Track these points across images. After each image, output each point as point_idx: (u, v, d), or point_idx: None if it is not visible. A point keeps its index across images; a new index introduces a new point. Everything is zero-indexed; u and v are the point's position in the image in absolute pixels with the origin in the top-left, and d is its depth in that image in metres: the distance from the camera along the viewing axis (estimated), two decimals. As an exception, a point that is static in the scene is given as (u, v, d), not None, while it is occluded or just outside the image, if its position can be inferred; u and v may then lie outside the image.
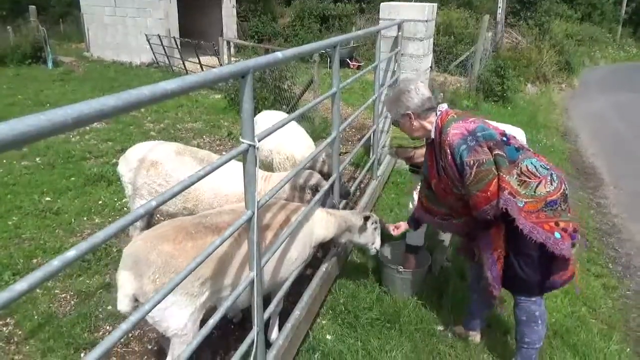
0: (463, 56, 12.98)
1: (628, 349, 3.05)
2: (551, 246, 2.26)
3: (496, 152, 2.28)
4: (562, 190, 2.33)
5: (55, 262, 1.04)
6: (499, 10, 15.33)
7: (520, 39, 16.11)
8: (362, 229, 2.97)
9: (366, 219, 2.97)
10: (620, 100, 12.05)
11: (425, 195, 2.78)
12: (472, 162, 2.26)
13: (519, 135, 2.88)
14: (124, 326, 1.26)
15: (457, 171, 2.35)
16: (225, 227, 2.20)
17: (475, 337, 2.97)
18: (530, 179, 2.30)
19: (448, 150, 2.35)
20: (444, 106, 2.54)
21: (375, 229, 3.04)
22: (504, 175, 2.25)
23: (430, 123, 2.50)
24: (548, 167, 2.38)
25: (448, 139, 2.34)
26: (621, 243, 4.78)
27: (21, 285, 0.97)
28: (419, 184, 3.31)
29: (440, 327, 3.08)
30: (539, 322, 2.54)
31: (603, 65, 20.01)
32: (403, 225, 3.12)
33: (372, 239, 3.04)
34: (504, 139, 2.39)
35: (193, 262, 1.57)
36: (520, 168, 2.32)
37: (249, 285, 1.97)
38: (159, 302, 1.38)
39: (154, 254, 2.04)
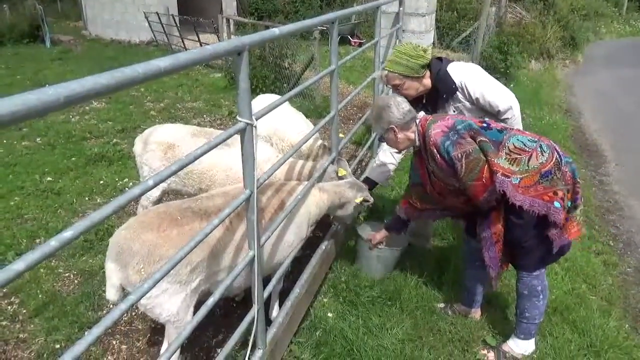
0: (466, 32, 12.79)
1: (627, 325, 3.07)
2: (552, 215, 2.27)
3: (480, 139, 2.33)
4: (554, 159, 2.33)
5: (53, 242, 1.04)
6: (503, -15, 15.02)
7: (524, 14, 15.84)
8: (356, 206, 2.96)
9: (364, 200, 2.95)
10: (625, 75, 11.89)
11: (420, 197, 2.76)
12: (459, 154, 2.30)
13: (505, 96, 2.87)
14: (111, 315, 1.26)
15: (448, 168, 2.38)
16: (215, 212, 2.20)
17: (475, 313, 2.99)
18: (520, 155, 2.31)
19: (434, 150, 2.41)
20: (421, 113, 2.68)
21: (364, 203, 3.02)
22: (493, 159, 2.28)
23: (413, 132, 2.58)
24: (535, 139, 2.38)
25: (432, 139, 2.41)
26: (622, 220, 4.78)
27: (18, 265, 0.97)
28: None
29: (441, 305, 3.10)
30: (540, 296, 2.56)
31: (608, 40, 19.71)
32: (378, 236, 3.12)
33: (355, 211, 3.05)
34: (484, 124, 2.43)
35: (185, 248, 1.55)
36: (508, 147, 2.32)
37: (247, 266, 1.98)
38: (146, 292, 1.37)
39: (137, 243, 2.02)
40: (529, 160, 2.30)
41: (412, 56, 2.83)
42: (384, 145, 3.32)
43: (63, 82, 1.00)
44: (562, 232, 2.35)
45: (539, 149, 2.33)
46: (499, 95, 2.84)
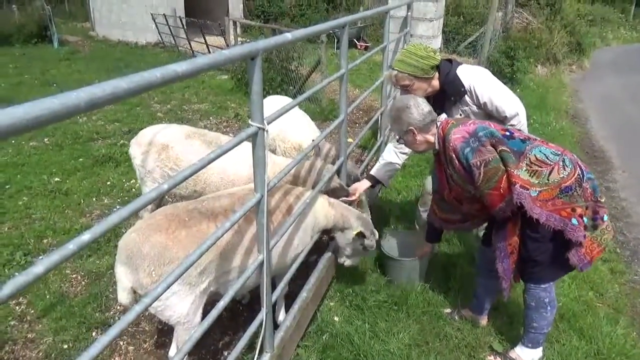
0: (472, 37, 12.79)
1: (634, 333, 3.06)
2: (568, 233, 2.23)
3: (501, 148, 2.27)
4: (576, 175, 2.27)
5: (71, 246, 1.05)
6: (510, -10, 15.02)
7: (531, 19, 15.82)
8: (355, 238, 2.85)
9: (362, 234, 2.82)
10: (632, 82, 11.85)
11: (438, 205, 2.75)
12: (478, 162, 2.25)
13: (513, 102, 2.86)
14: (126, 318, 1.26)
15: (466, 174, 2.34)
16: (222, 212, 2.20)
17: (482, 320, 2.98)
18: (541, 167, 2.26)
19: (453, 155, 2.35)
20: (443, 116, 2.59)
21: (364, 248, 2.88)
22: (513, 170, 2.23)
23: (432, 135, 2.52)
24: (559, 152, 2.32)
25: (451, 144, 2.35)
26: (630, 227, 4.76)
27: (38, 268, 0.98)
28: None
29: (448, 310, 3.09)
30: (548, 308, 2.54)
31: (615, 46, 19.66)
32: (426, 249, 3.11)
33: (352, 252, 2.93)
34: (507, 133, 2.36)
35: (197, 251, 1.56)
36: (529, 158, 2.27)
37: (257, 268, 1.98)
38: (160, 295, 1.38)
39: (147, 246, 2.02)
40: (550, 173, 2.25)
41: (422, 57, 2.83)
42: (390, 144, 3.32)
43: (70, 82, 1.02)
44: (582, 250, 2.28)
45: (561, 163, 2.27)
46: (506, 101, 2.84)
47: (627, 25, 24.02)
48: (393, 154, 3.27)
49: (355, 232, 2.81)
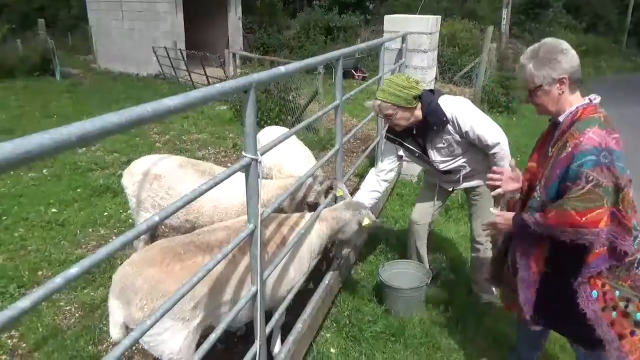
0: (467, 67, 13.01)
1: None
2: (582, 301, 1.98)
3: (625, 188, 1.95)
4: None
5: (58, 280, 1.04)
6: (503, 21, 15.39)
7: (525, 49, 16.12)
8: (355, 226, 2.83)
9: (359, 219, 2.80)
10: (629, 112, 11.98)
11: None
12: (591, 177, 1.86)
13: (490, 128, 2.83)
14: (113, 354, 1.24)
15: (565, 172, 1.95)
16: (218, 246, 2.19)
17: None
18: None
19: (570, 149, 1.94)
20: (597, 98, 2.09)
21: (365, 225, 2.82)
22: (631, 214, 1.95)
23: (577, 99, 2.07)
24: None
25: (581, 138, 1.92)
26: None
27: (24, 303, 0.97)
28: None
29: None
30: None
31: (609, 75, 19.95)
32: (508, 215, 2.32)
33: (357, 236, 2.91)
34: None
35: (187, 285, 1.54)
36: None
37: (250, 300, 1.97)
38: (148, 329, 1.36)
39: (140, 279, 2.00)
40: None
41: (405, 87, 2.86)
42: (372, 172, 3.30)
43: (71, 113, 1.04)
44: (620, 347, 1.99)
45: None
46: (487, 129, 2.89)
47: (620, 55, 24.46)
48: (374, 182, 3.26)
49: (365, 225, 2.77)
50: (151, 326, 1.36)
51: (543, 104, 2.10)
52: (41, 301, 1.00)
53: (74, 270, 1.07)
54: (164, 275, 2.02)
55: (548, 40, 2.10)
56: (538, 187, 2.10)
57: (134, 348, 2.99)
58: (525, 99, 2.24)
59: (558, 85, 2.02)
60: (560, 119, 2.07)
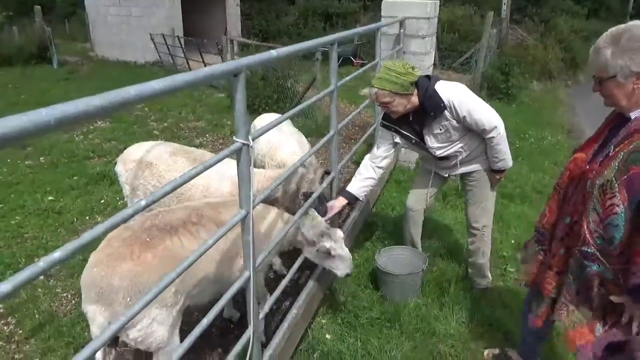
0: (467, 53, 12.93)
1: None
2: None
3: None
4: None
5: (41, 263, 1.03)
6: (504, 7, 15.25)
7: (526, 36, 16.01)
8: (319, 251, 2.65)
9: (320, 238, 2.61)
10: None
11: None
12: None
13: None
14: (91, 346, 1.22)
15: (616, 171, 1.72)
16: (182, 225, 2.16)
17: None
18: None
19: (632, 145, 1.73)
20: None
21: (334, 256, 2.64)
22: None
23: None
24: None
25: None
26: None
27: (5, 286, 0.97)
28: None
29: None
30: None
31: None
32: None
33: (330, 263, 2.70)
34: None
35: (166, 279, 1.50)
36: None
37: (245, 283, 1.97)
38: (128, 321, 1.36)
39: (116, 278, 1.92)
40: None
41: (401, 73, 2.84)
42: (367, 158, 3.28)
43: (67, 100, 1.02)
44: None
45: None
46: (484, 114, 2.88)
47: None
48: (370, 169, 3.23)
49: (315, 242, 2.63)
50: (130, 320, 1.36)
51: (613, 96, 1.85)
52: (23, 285, 1.00)
53: (57, 254, 1.05)
54: (139, 267, 1.96)
55: (636, 24, 1.77)
56: (591, 179, 1.84)
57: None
58: (593, 85, 1.97)
59: (634, 79, 1.76)
60: (632, 115, 1.82)
